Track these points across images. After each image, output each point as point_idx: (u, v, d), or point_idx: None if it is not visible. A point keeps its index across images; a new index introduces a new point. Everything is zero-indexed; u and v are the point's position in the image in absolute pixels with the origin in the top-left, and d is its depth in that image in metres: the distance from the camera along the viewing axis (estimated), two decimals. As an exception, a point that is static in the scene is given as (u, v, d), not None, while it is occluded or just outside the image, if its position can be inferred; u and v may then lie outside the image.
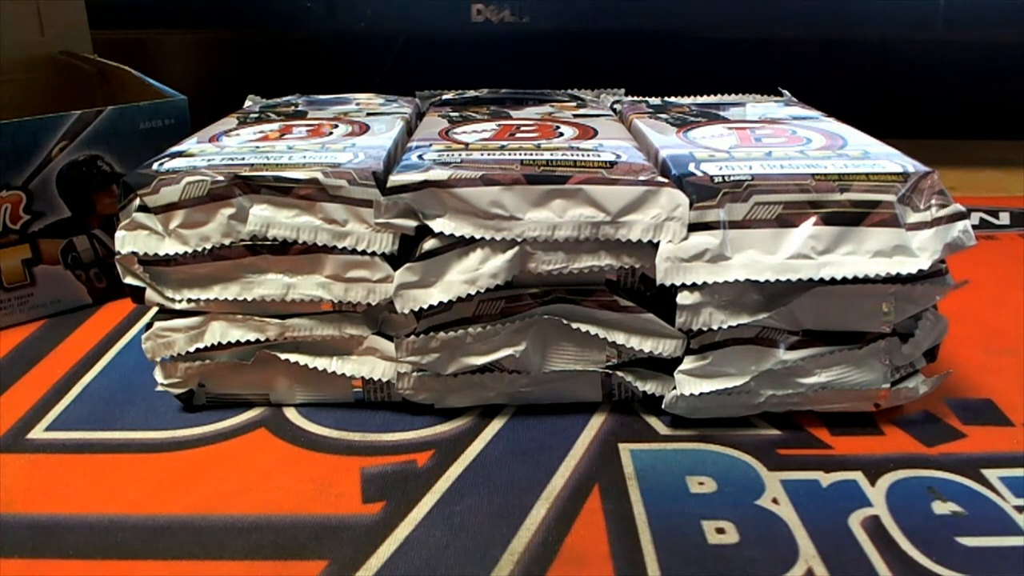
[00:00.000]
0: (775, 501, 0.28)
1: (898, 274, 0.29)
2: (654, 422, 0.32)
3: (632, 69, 0.56)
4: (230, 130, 0.37)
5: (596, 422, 0.32)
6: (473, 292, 0.30)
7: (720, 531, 0.26)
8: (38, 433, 0.32)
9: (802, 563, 0.25)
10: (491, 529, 0.27)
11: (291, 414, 0.33)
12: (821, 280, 0.29)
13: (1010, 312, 0.42)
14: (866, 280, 0.29)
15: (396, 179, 0.29)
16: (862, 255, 0.29)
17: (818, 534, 0.26)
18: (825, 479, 0.29)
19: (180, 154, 0.33)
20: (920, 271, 0.29)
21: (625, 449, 0.31)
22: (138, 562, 0.26)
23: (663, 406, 0.32)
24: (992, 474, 0.29)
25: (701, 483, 0.29)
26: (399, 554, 0.26)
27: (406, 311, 0.30)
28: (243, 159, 0.31)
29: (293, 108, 0.42)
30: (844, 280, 0.29)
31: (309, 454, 0.31)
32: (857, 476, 0.29)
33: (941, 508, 0.27)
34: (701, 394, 0.30)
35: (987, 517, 0.27)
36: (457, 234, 0.29)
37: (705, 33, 0.61)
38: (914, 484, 0.29)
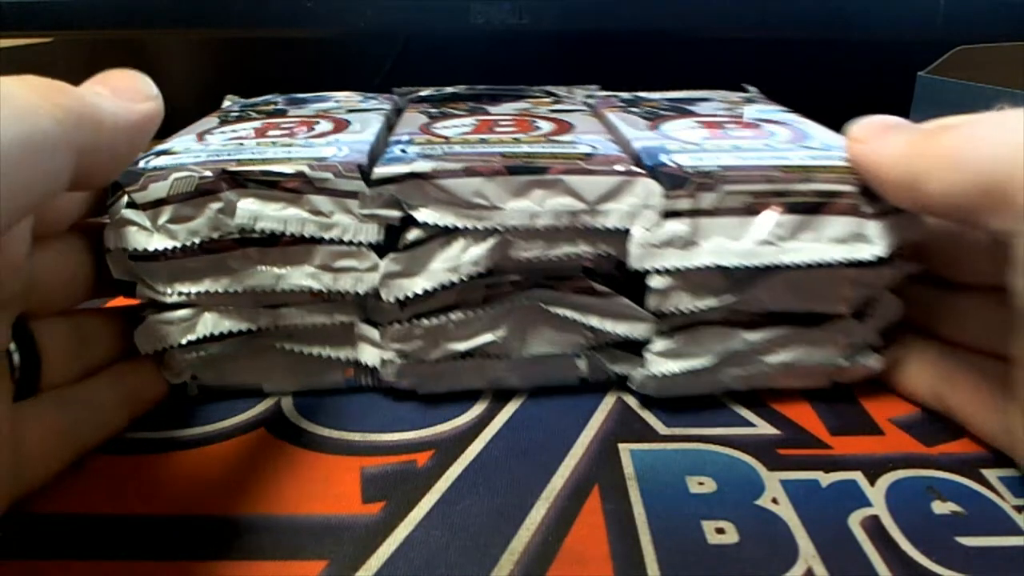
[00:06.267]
0: (775, 501, 0.28)
1: (856, 260, 0.30)
2: (654, 422, 0.32)
3: (633, 70, 0.56)
4: (213, 128, 0.37)
5: (596, 422, 0.32)
6: (456, 280, 0.31)
7: (720, 531, 0.26)
8: (38, 433, 0.32)
9: (802, 563, 0.25)
10: (491, 529, 0.27)
11: (291, 414, 0.33)
12: (784, 265, 0.30)
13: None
14: (826, 265, 0.30)
15: (381, 171, 0.30)
16: (823, 242, 0.30)
17: (818, 534, 0.26)
18: (825, 479, 0.29)
19: (166, 152, 0.33)
20: (877, 257, 0.30)
21: (625, 449, 0.31)
22: (136, 562, 0.26)
23: (634, 385, 0.33)
24: (991, 474, 0.29)
25: (701, 483, 0.29)
26: (399, 554, 0.26)
27: (392, 299, 0.31)
28: (229, 155, 0.32)
29: (273, 107, 0.42)
30: (806, 265, 0.30)
31: (308, 454, 0.31)
32: (857, 476, 0.29)
33: (941, 508, 0.27)
34: (672, 374, 0.32)
35: (987, 517, 0.27)
36: (440, 224, 0.30)
37: (706, 34, 0.61)
38: (914, 484, 0.29)
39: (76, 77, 0.26)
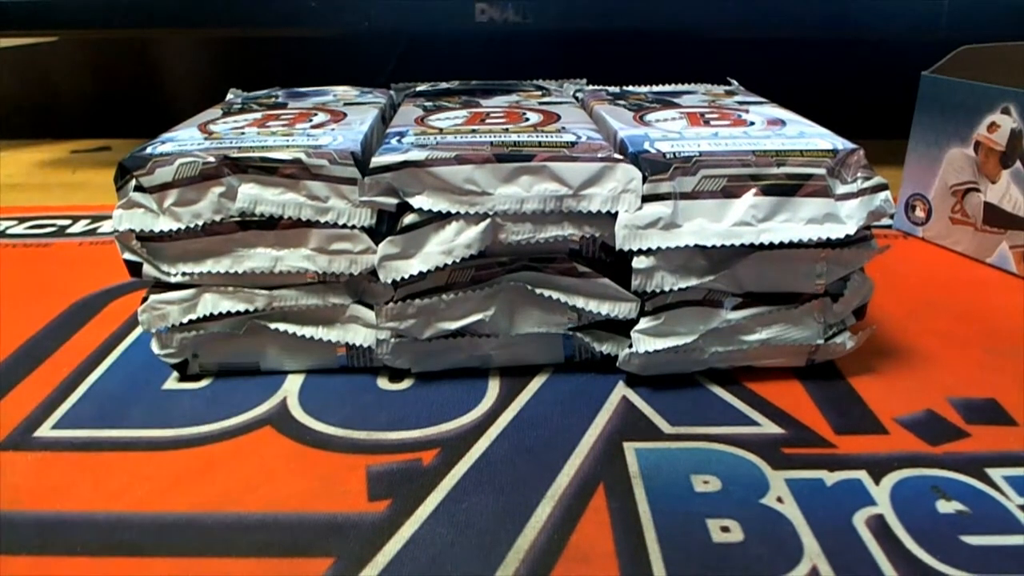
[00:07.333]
0: (780, 500, 0.28)
1: (829, 239, 0.32)
2: (659, 421, 0.32)
3: (637, 69, 0.56)
4: (216, 119, 0.39)
5: (601, 420, 0.32)
6: (449, 262, 0.32)
7: (725, 529, 0.27)
8: (45, 431, 0.33)
9: (807, 561, 0.25)
10: (496, 527, 0.27)
11: (297, 412, 0.34)
12: (761, 245, 0.32)
13: (1013, 311, 0.42)
14: (801, 245, 0.32)
15: (378, 160, 0.32)
16: (797, 222, 0.32)
17: (823, 533, 0.26)
18: (829, 478, 0.29)
19: (172, 140, 0.35)
20: (848, 236, 0.32)
21: (630, 448, 0.31)
22: (145, 559, 0.26)
23: (618, 364, 0.34)
24: (996, 473, 0.29)
25: (706, 482, 0.29)
26: (405, 551, 0.26)
27: (389, 280, 0.33)
28: (231, 142, 0.34)
29: (274, 100, 0.44)
30: (781, 245, 0.32)
31: (315, 452, 0.31)
32: (861, 475, 0.29)
33: (945, 507, 0.27)
34: (655, 351, 0.33)
35: (991, 516, 0.27)
36: (434, 209, 0.32)
37: (709, 33, 0.61)
38: (918, 483, 0.29)
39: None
